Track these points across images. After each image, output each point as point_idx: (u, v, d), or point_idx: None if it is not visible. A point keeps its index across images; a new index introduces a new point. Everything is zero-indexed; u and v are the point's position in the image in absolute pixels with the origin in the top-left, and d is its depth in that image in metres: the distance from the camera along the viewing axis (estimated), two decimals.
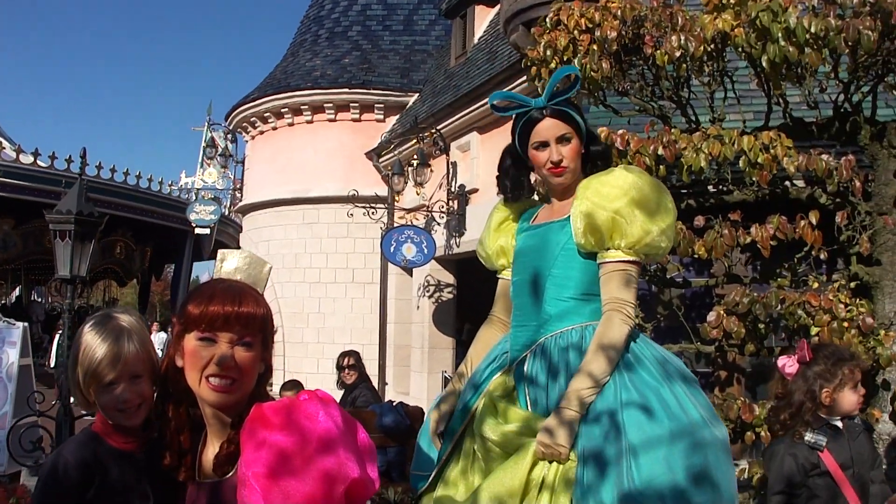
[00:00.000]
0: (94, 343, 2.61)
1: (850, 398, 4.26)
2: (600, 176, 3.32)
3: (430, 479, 3.38)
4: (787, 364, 4.44)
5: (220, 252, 2.54)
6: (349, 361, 9.93)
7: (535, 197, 3.85)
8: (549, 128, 3.34)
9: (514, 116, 3.48)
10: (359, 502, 2.16)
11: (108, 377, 2.58)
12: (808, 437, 4.22)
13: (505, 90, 3.38)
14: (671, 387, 3.07)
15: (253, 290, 2.41)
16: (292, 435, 2.07)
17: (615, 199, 3.19)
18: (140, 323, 2.75)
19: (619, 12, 6.74)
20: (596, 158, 3.46)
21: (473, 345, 3.74)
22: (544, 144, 3.36)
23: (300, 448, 2.05)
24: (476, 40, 16.44)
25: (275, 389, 18.52)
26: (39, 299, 38.27)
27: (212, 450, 2.35)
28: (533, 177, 3.63)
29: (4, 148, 22.63)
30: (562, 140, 3.34)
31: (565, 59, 6.79)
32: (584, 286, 3.28)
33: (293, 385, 9.30)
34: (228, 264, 2.52)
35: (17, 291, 35.52)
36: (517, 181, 3.61)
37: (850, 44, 6.12)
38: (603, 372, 3.05)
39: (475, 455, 3.25)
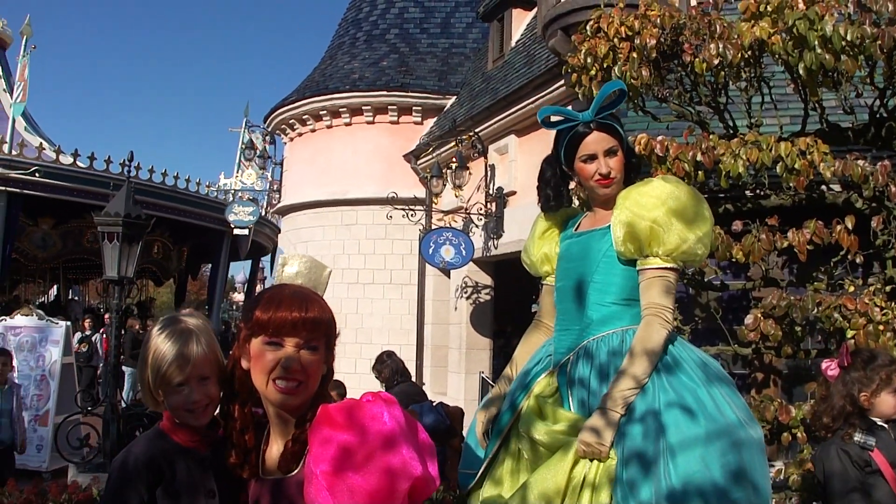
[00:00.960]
0: (162, 346, 2.70)
1: (888, 401, 4.30)
2: (639, 186, 3.44)
3: (477, 477, 3.51)
4: (830, 367, 4.50)
5: (281, 257, 2.61)
6: (377, 365, 9.98)
7: (576, 203, 3.98)
8: (597, 141, 3.45)
9: (557, 129, 3.60)
10: (420, 499, 2.23)
11: (176, 379, 2.67)
12: (858, 437, 4.27)
13: (552, 106, 3.46)
14: (709, 388, 3.17)
15: (317, 295, 2.48)
16: (355, 433, 2.16)
17: (653, 208, 3.31)
18: (206, 325, 2.83)
19: (658, 20, 6.84)
20: (630, 170, 3.57)
21: (519, 347, 3.85)
22: (592, 157, 3.46)
23: (363, 445, 2.14)
24: (513, 43, 16.51)
25: None
26: (77, 298, 38.52)
27: (276, 448, 2.43)
28: (571, 185, 3.76)
29: (45, 149, 22.87)
30: (609, 153, 3.45)
31: (605, 66, 6.90)
32: (625, 292, 3.40)
33: (336, 385, 9.38)
34: (290, 269, 2.60)
35: (54, 290, 35.74)
36: (557, 191, 3.72)
37: (885, 51, 6.20)
38: (643, 373, 3.15)
39: (521, 454, 3.37)
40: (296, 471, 2.34)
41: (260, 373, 2.34)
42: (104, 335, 20.18)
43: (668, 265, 3.32)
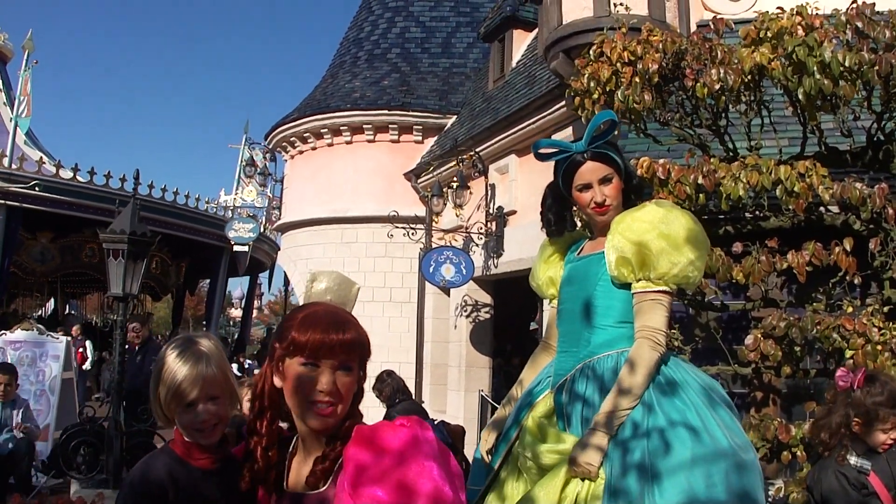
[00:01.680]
0: (176, 365, 2.78)
1: (878, 437, 4.33)
2: (633, 212, 3.53)
3: (481, 492, 3.60)
4: (842, 378, 4.54)
5: (311, 272, 2.64)
6: (377, 384, 10.00)
7: (579, 225, 4.08)
8: (591, 170, 3.54)
9: (552, 160, 3.70)
10: None
11: (188, 397, 2.75)
12: (853, 460, 4.31)
13: (546, 139, 3.53)
14: (701, 412, 3.22)
15: (351, 316, 2.46)
16: (393, 456, 2.16)
17: (644, 232, 3.40)
18: (218, 348, 2.90)
19: (660, 45, 6.95)
20: (630, 192, 3.66)
21: (526, 369, 3.94)
22: (587, 186, 3.56)
23: (396, 468, 2.14)
24: (514, 64, 16.60)
25: None
26: (74, 312, 38.52)
27: (303, 463, 2.43)
28: (575, 208, 3.86)
29: (45, 163, 22.96)
30: (604, 181, 3.54)
31: (608, 90, 7.01)
32: (623, 315, 3.47)
33: None
34: (319, 285, 2.62)
35: (51, 304, 35.74)
36: (560, 216, 3.83)
37: (882, 76, 6.32)
38: (632, 395, 3.22)
39: (520, 472, 3.46)
40: (323, 488, 2.34)
41: (295, 394, 2.34)
42: (78, 348, 19.91)
43: (661, 288, 3.40)
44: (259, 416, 2.53)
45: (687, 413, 3.21)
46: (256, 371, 23.58)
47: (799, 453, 6.39)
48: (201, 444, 2.81)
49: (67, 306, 37.00)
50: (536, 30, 14.24)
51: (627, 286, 3.46)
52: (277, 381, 2.43)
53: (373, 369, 10.71)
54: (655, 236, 3.38)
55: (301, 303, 2.62)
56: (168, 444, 2.91)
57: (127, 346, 11.56)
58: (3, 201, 20.75)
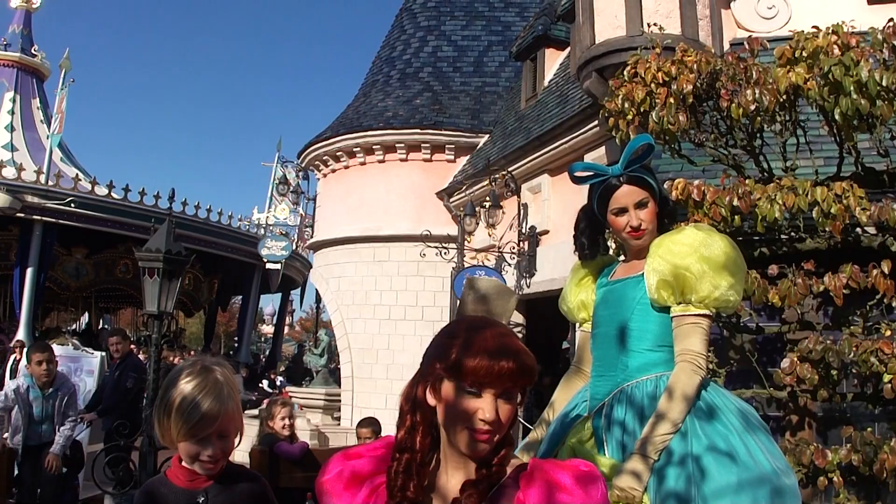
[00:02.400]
0: (194, 396, 2.76)
1: None
2: (672, 235, 3.50)
3: None
4: None
5: (468, 278, 2.47)
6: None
7: (612, 248, 4.06)
8: (627, 194, 3.52)
9: (590, 183, 3.68)
10: None
11: (201, 434, 2.76)
12: None
13: (582, 162, 3.51)
14: (743, 436, 3.19)
15: (519, 341, 2.26)
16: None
17: (685, 256, 3.37)
18: (232, 377, 2.92)
19: (694, 66, 6.91)
20: (664, 216, 3.64)
21: (557, 392, 3.90)
22: (623, 210, 3.53)
23: None
24: (546, 83, 16.60)
25: (345, 423, 18.68)
26: (108, 327, 38.85)
27: (450, 478, 2.30)
28: (608, 233, 3.84)
29: (80, 180, 23.20)
30: (640, 205, 3.51)
31: (642, 110, 6.97)
32: (659, 338, 3.45)
33: (371, 422, 9.43)
34: (477, 293, 2.45)
35: (85, 318, 36.04)
36: (593, 240, 3.79)
37: None
38: (676, 419, 3.19)
39: None
40: None
41: (453, 418, 2.22)
42: None
43: (701, 312, 3.38)
44: (412, 431, 2.34)
45: (730, 438, 3.19)
46: (287, 388, 23.64)
47: (836, 478, 6.31)
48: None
49: (101, 321, 37.30)
50: (568, 49, 14.24)
51: (665, 309, 3.43)
52: (431, 399, 2.29)
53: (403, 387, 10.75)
54: (696, 260, 3.36)
55: (458, 314, 2.48)
56: (165, 475, 2.95)
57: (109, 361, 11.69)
58: (39, 217, 21.00)
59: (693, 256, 3.37)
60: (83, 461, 10.94)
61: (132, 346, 12.32)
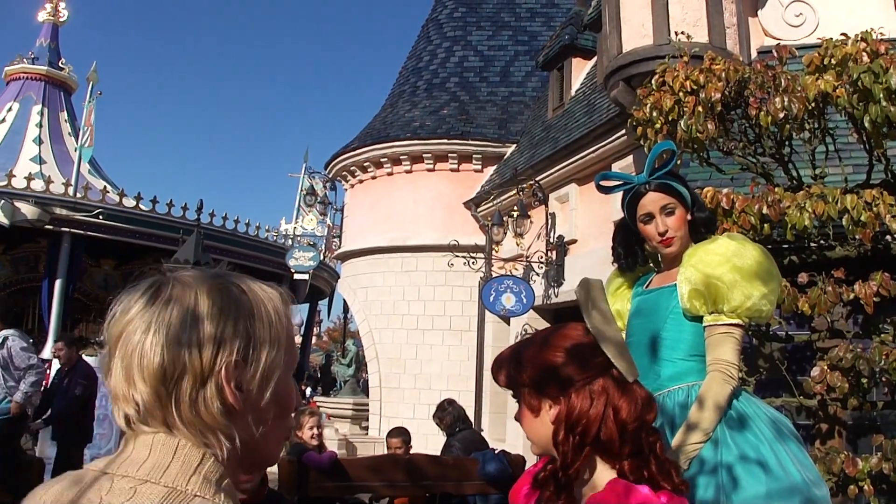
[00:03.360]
0: None
1: None
2: (705, 244, 3.51)
3: None
4: None
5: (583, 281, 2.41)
6: (438, 413, 10.03)
7: (651, 263, 4.07)
8: (653, 201, 3.55)
9: (622, 192, 3.70)
10: None
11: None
12: None
13: (611, 171, 3.51)
14: (773, 446, 3.19)
15: (525, 349, 2.27)
16: None
17: (718, 265, 3.38)
18: None
19: (722, 74, 6.90)
20: (700, 225, 3.64)
21: None
22: (650, 217, 3.57)
23: None
24: (573, 92, 16.59)
25: (372, 433, 18.69)
26: None
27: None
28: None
29: (108, 192, 23.36)
30: (666, 212, 3.54)
31: (670, 119, 6.97)
32: (693, 348, 3.46)
33: (400, 433, 9.47)
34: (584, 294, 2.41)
35: None
36: (630, 251, 3.83)
37: None
38: (705, 428, 3.20)
39: None
40: None
41: None
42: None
43: (734, 321, 3.38)
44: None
45: (760, 447, 3.19)
46: (315, 398, 23.68)
47: (866, 487, 6.27)
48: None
49: None
50: (595, 58, 14.24)
51: (698, 319, 3.44)
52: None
53: (432, 397, 10.90)
54: (729, 269, 3.37)
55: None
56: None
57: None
58: (67, 229, 21.13)
59: (725, 266, 3.38)
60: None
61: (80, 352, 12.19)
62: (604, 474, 2.12)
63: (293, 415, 1.79)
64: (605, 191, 3.79)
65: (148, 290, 1.52)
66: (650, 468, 2.09)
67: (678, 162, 7.26)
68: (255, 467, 1.59)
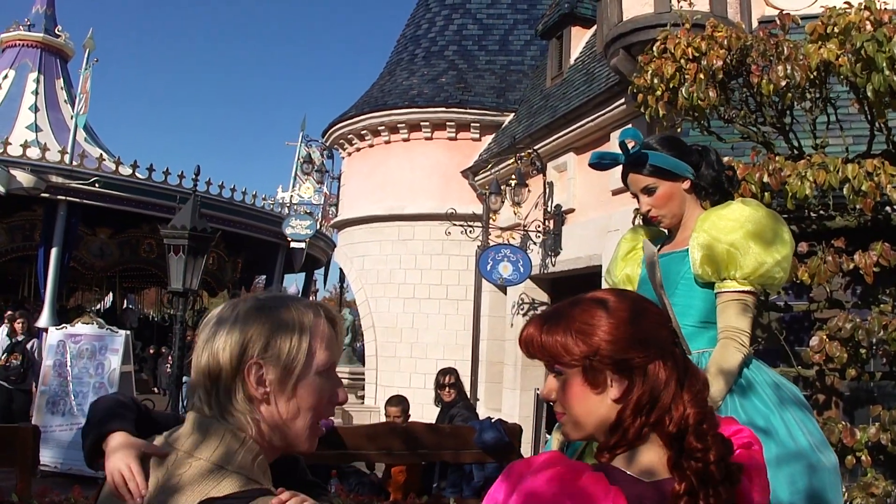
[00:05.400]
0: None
1: None
2: (719, 210, 3.47)
3: None
4: None
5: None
6: (450, 380, 10.03)
7: None
8: (633, 182, 3.57)
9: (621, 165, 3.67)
10: None
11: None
12: None
13: (600, 151, 3.47)
14: (781, 413, 3.18)
15: (561, 316, 2.06)
16: None
17: (731, 231, 3.34)
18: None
19: (724, 41, 6.86)
20: (708, 186, 3.61)
21: None
22: (636, 196, 3.58)
23: None
24: (572, 61, 16.50)
25: (368, 402, 18.75)
26: (132, 307, 39.07)
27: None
28: None
29: (105, 160, 23.27)
30: (647, 191, 3.52)
31: (671, 86, 6.92)
32: (704, 314, 3.43)
33: (399, 401, 9.46)
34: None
35: (109, 298, 36.22)
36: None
37: None
38: (717, 396, 3.17)
39: None
40: None
41: None
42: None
43: (746, 288, 3.35)
44: None
45: (768, 414, 3.17)
46: None
47: (864, 457, 6.29)
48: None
49: (125, 301, 37.50)
50: (595, 27, 14.14)
51: (710, 285, 3.41)
52: None
53: (429, 367, 10.91)
54: (742, 235, 3.33)
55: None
56: None
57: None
58: (63, 197, 21.07)
59: (739, 232, 3.34)
60: None
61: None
62: (656, 453, 1.94)
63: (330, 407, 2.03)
64: (599, 168, 3.76)
65: (220, 306, 1.99)
66: (708, 444, 1.86)
67: (688, 119, 7.23)
68: (289, 447, 1.99)
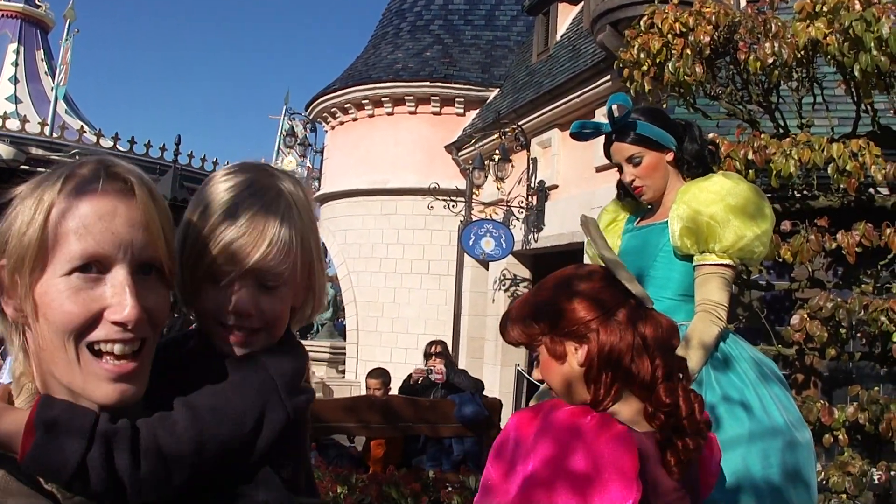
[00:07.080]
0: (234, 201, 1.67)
1: None
2: (700, 182, 3.44)
3: None
4: None
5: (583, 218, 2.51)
6: (436, 349, 10.06)
7: None
8: (618, 151, 3.52)
9: (604, 138, 3.64)
10: None
11: (232, 269, 1.68)
12: None
13: (583, 121, 3.46)
14: (757, 389, 3.17)
15: (529, 300, 2.36)
16: None
17: (711, 203, 3.31)
18: (308, 198, 1.96)
19: (712, 17, 6.82)
20: (691, 159, 3.58)
21: None
22: (620, 166, 3.53)
23: None
24: (559, 37, 16.46)
25: (349, 376, 18.74)
26: None
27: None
28: None
29: (85, 132, 23.12)
30: (632, 161, 3.49)
31: (658, 61, 6.89)
32: (682, 287, 3.40)
33: (380, 374, 9.43)
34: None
35: None
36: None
37: None
38: (691, 369, 3.15)
39: None
40: None
41: None
42: None
43: (725, 262, 3.31)
44: None
45: (744, 389, 3.16)
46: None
47: (841, 437, 6.31)
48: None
49: None
50: (582, 3, 14.09)
51: (689, 258, 3.38)
52: None
53: (409, 341, 10.91)
54: (722, 208, 3.29)
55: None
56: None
57: None
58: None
59: (719, 204, 3.31)
60: None
61: None
62: (633, 407, 2.16)
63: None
64: (581, 138, 3.73)
65: None
66: (678, 398, 2.12)
67: (674, 95, 7.21)
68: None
